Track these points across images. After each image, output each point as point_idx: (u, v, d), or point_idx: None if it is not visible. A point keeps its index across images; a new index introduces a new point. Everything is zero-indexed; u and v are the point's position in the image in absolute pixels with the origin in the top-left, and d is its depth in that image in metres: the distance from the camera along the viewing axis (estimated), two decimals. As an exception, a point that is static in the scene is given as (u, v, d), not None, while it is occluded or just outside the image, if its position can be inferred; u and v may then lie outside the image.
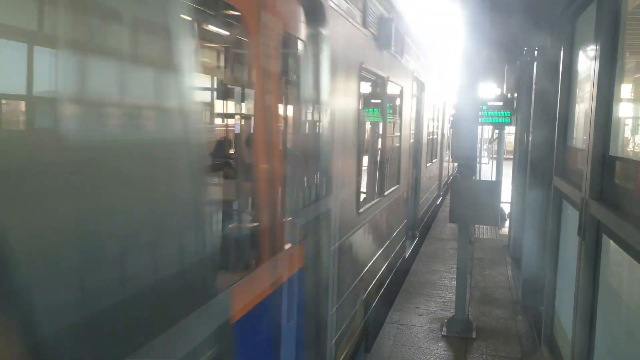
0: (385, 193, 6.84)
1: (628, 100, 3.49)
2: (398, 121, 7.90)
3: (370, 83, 6.48)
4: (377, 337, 6.16)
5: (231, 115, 5.85)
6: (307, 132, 3.76)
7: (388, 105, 7.05)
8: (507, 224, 11.90)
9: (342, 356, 4.74)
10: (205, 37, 4.38)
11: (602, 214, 3.21)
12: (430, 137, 12.63)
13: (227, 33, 4.08)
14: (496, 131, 13.06)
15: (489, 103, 10.06)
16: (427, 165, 11.95)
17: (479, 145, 12.28)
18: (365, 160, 6.37)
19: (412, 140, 9.27)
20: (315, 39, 3.75)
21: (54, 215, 1.46)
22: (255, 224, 2.88)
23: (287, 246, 3.23)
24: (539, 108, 6.59)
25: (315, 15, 3.71)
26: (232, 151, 5.35)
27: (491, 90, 11.41)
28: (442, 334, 6.24)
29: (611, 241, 3.20)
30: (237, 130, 5.71)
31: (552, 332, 5.11)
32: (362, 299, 5.64)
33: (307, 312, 3.73)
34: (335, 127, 4.21)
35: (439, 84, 13.06)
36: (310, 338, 3.94)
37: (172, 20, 1.96)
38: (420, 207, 10.79)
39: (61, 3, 1.50)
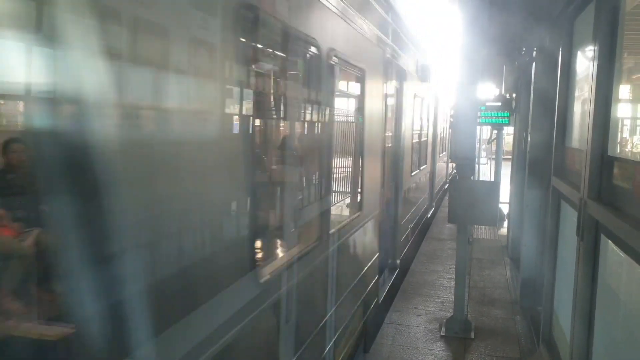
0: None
1: (627, 100, 3.49)
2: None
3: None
4: (375, 338, 6.15)
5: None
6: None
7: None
8: (505, 224, 11.91)
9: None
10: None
11: (600, 214, 3.21)
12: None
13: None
14: (494, 131, 13.07)
15: (488, 103, 10.05)
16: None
17: (477, 145, 12.14)
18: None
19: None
20: (400, 88, 8.09)
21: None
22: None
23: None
24: (538, 108, 6.60)
25: (404, 77, 8.10)
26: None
27: (490, 91, 11.41)
28: (441, 334, 6.23)
29: (609, 241, 3.20)
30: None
31: (551, 332, 5.11)
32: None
33: None
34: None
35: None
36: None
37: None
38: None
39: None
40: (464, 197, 6.06)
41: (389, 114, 7.41)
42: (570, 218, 4.31)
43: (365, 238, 5.90)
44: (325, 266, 4.32)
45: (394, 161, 8.02)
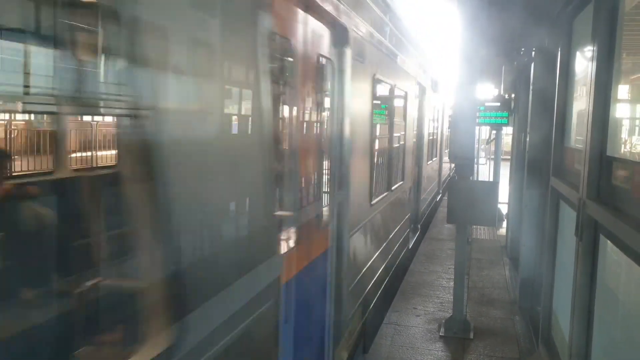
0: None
1: (625, 100, 3.49)
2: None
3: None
4: (374, 338, 6.15)
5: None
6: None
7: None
8: (504, 224, 11.91)
9: None
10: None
11: (599, 214, 3.21)
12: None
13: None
14: (493, 132, 13.08)
15: (487, 104, 10.06)
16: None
17: (476, 145, 12.32)
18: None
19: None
20: (422, 100, 10.60)
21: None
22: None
23: None
24: (537, 108, 6.59)
25: (424, 91, 10.78)
26: None
27: (489, 91, 11.42)
28: (440, 334, 6.23)
29: (608, 241, 3.20)
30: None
31: (550, 332, 5.10)
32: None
33: None
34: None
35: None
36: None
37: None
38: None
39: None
40: (463, 197, 6.06)
41: (417, 118, 10.32)
42: (569, 218, 4.30)
43: (408, 196, 9.57)
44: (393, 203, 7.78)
45: (418, 152, 10.81)
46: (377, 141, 6.48)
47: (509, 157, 11.65)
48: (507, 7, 5.32)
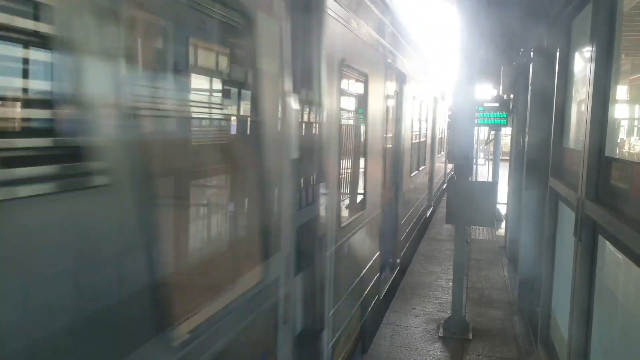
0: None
1: (624, 101, 3.49)
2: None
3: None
4: (373, 338, 6.15)
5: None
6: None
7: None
8: (503, 225, 11.93)
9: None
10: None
11: (598, 215, 3.21)
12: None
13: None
14: (492, 132, 13.10)
15: (485, 104, 10.07)
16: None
17: (475, 146, 12.49)
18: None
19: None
20: (436, 108, 14.29)
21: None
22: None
23: None
24: (535, 109, 6.59)
25: (437, 101, 14.45)
26: None
27: (487, 92, 11.44)
28: (439, 334, 6.23)
29: (607, 242, 3.19)
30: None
31: (549, 332, 5.10)
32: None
33: None
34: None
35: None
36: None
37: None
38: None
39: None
40: (462, 197, 6.07)
41: (434, 123, 13.47)
42: (567, 218, 4.30)
43: (427, 178, 12.65)
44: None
45: (432, 148, 13.48)
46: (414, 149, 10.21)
47: (508, 157, 11.66)
48: (506, 7, 5.32)
